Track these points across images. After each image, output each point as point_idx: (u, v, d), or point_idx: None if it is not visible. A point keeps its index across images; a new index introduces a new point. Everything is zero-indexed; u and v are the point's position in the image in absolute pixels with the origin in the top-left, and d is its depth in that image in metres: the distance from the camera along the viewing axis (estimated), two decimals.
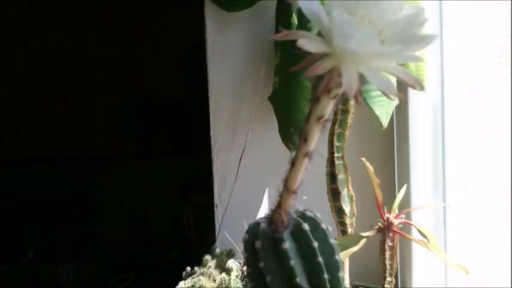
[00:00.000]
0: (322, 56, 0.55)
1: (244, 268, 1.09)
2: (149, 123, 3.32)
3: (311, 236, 0.66)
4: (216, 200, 1.34)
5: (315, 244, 0.66)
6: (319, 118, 0.59)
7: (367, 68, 0.55)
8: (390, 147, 1.26)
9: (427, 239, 1.03)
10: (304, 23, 1.11)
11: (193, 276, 1.13)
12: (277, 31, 0.95)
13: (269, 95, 1.22)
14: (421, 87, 0.59)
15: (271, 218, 0.66)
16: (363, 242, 1.04)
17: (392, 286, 1.08)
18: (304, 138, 0.60)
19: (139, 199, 3.20)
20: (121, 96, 3.27)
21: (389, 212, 1.07)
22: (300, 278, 0.65)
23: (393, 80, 0.59)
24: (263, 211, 1.29)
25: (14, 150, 3.31)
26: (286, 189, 0.63)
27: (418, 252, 1.20)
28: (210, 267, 1.14)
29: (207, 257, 1.18)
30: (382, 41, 0.56)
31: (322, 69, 0.55)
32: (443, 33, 1.17)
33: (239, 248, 1.16)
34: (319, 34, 0.57)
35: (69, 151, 3.34)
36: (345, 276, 1.11)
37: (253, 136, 1.30)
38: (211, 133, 1.33)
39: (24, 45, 3.28)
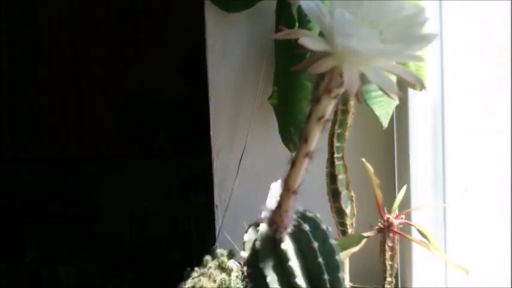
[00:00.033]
0: (323, 56, 0.55)
1: (245, 268, 1.09)
2: (149, 123, 3.32)
3: (311, 236, 0.66)
4: (216, 200, 1.34)
5: (315, 244, 0.66)
6: (320, 118, 0.59)
7: (369, 67, 0.55)
8: (390, 147, 1.26)
9: (427, 239, 1.03)
10: (304, 23, 1.11)
11: (193, 276, 1.13)
12: (277, 31, 0.95)
13: (269, 95, 1.22)
14: (422, 86, 0.59)
15: (271, 218, 0.66)
16: (363, 242, 1.04)
17: (393, 286, 1.08)
18: (305, 139, 0.60)
19: (139, 199, 3.20)
20: (121, 96, 3.27)
21: (390, 212, 1.07)
22: (300, 278, 0.65)
23: (393, 79, 0.59)
24: (263, 211, 1.29)
25: (14, 150, 3.31)
26: (287, 189, 0.63)
27: (418, 253, 1.20)
28: (210, 267, 1.14)
29: (207, 257, 1.18)
30: (383, 41, 0.56)
31: (324, 67, 0.55)
32: (443, 33, 1.17)
33: (239, 248, 1.16)
34: (320, 35, 0.57)
35: (69, 151, 3.34)
36: (345, 276, 1.11)
37: (253, 136, 1.30)
38: (211, 133, 1.33)
39: (24, 45, 3.27)
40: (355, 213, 1.14)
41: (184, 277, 1.16)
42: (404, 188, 1.10)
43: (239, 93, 1.31)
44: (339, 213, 1.13)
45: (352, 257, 1.06)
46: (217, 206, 1.33)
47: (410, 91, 1.16)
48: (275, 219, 0.65)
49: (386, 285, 1.08)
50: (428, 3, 1.13)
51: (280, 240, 0.65)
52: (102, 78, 3.29)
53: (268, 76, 1.24)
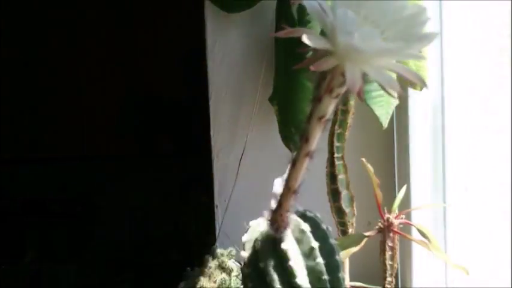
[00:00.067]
0: (324, 55, 0.55)
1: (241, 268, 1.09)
2: (149, 124, 3.32)
3: (311, 236, 0.66)
4: (216, 200, 1.34)
5: (315, 244, 0.66)
6: (321, 118, 0.59)
7: (370, 66, 0.55)
8: (390, 147, 1.26)
9: (427, 239, 1.03)
10: (304, 23, 1.11)
11: (193, 276, 1.13)
12: (277, 31, 0.95)
13: (269, 95, 1.22)
14: (424, 85, 0.59)
15: (271, 218, 0.66)
16: (363, 242, 1.04)
17: (393, 286, 1.08)
18: (306, 138, 0.60)
19: (139, 199, 3.20)
20: (121, 96, 3.27)
21: (390, 212, 1.07)
22: (300, 278, 0.65)
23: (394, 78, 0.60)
24: (263, 211, 1.29)
25: (14, 150, 3.31)
26: (287, 189, 0.63)
27: (418, 253, 1.20)
28: (210, 267, 1.14)
29: (207, 257, 1.18)
30: (385, 40, 0.56)
31: (326, 66, 0.55)
32: (443, 33, 1.17)
33: (239, 248, 1.16)
34: (321, 35, 0.57)
35: (69, 151, 3.34)
36: (345, 276, 1.11)
37: (253, 136, 1.30)
38: (211, 133, 1.33)
39: (24, 45, 3.27)
40: (355, 213, 1.14)
41: (184, 277, 1.16)
42: (404, 188, 1.10)
43: (239, 93, 1.31)
44: (339, 213, 1.13)
45: (352, 257, 1.06)
46: (217, 206, 1.33)
47: (411, 91, 1.16)
48: (276, 219, 0.65)
49: (386, 285, 1.08)
50: (428, 3, 1.13)
51: (280, 240, 0.65)
52: (102, 78, 3.29)
53: (268, 76, 1.24)
